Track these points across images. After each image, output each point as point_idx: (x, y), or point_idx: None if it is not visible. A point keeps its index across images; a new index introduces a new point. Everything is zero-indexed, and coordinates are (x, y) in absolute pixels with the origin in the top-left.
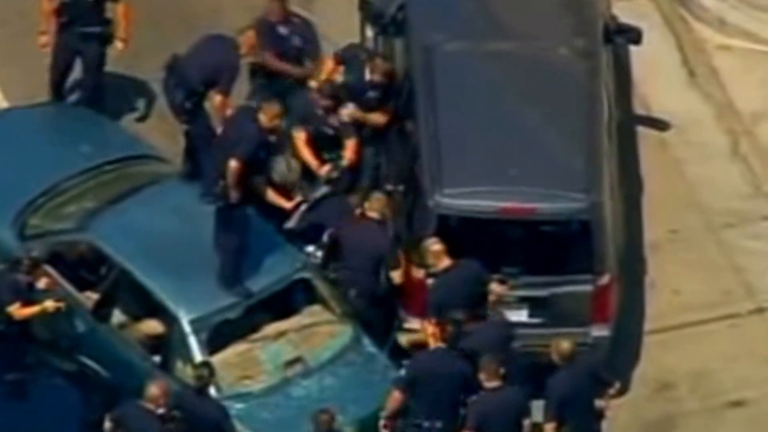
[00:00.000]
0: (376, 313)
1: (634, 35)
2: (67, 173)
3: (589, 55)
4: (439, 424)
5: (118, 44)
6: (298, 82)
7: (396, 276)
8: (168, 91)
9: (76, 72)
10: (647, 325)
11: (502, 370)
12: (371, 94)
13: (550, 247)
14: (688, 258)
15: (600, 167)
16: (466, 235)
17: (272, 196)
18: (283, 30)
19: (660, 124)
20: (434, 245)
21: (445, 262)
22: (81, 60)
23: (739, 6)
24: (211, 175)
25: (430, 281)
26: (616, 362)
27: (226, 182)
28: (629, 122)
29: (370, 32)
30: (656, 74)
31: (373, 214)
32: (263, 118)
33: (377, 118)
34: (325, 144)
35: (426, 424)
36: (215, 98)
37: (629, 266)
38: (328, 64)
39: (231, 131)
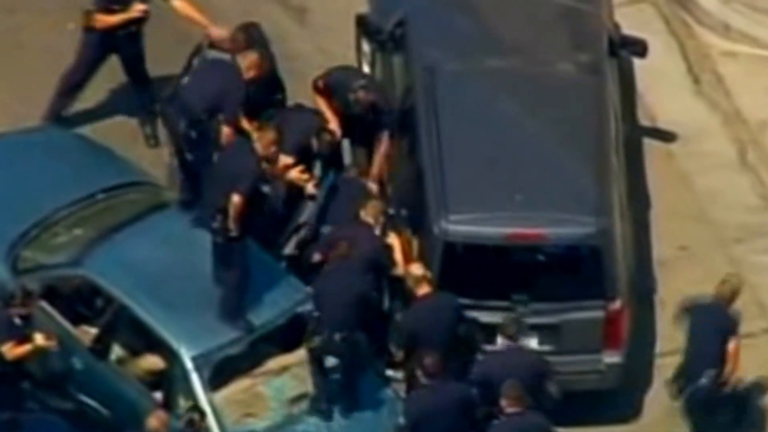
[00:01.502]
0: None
1: (639, 48)
2: (60, 203)
3: (594, 70)
4: None
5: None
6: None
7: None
8: (169, 119)
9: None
10: (659, 347)
11: (526, 398)
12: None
13: (560, 273)
14: (698, 275)
15: (609, 189)
16: (473, 262)
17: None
18: None
19: (666, 135)
20: (416, 270)
21: (425, 289)
22: (123, 58)
23: (743, 10)
24: (208, 209)
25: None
26: (627, 385)
27: (226, 217)
28: (634, 134)
29: (366, 47)
30: (660, 83)
31: (368, 220)
32: (259, 147)
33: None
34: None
35: None
36: (224, 130)
37: (638, 285)
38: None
39: (229, 165)
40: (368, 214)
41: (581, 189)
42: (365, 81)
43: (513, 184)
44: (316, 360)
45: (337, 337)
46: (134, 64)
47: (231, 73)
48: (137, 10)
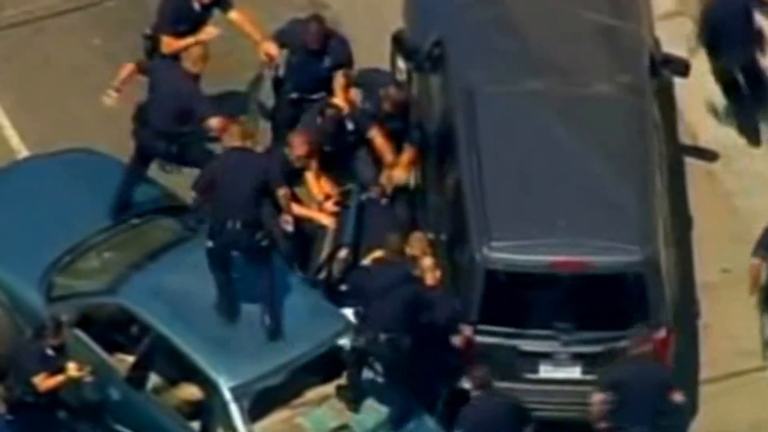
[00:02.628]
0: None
1: (680, 67)
2: (93, 228)
3: (636, 90)
4: None
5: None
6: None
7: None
8: (147, 143)
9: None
10: (703, 373)
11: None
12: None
13: (604, 302)
14: (742, 299)
15: (654, 214)
16: (515, 289)
17: (303, 209)
18: None
19: (707, 155)
20: (428, 261)
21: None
22: None
23: None
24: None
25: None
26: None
27: (252, 225)
28: (676, 153)
29: (401, 64)
30: (700, 99)
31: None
32: (290, 152)
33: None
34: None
35: None
36: (211, 124)
37: (682, 309)
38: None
39: (250, 173)
40: (414, 249)
41: (626, 214)
42: (398, 80)
43: (556, 209)
44: (356, 360)
45: (383, 337)
46: None
47: (179, 78)
48: (208, 32)
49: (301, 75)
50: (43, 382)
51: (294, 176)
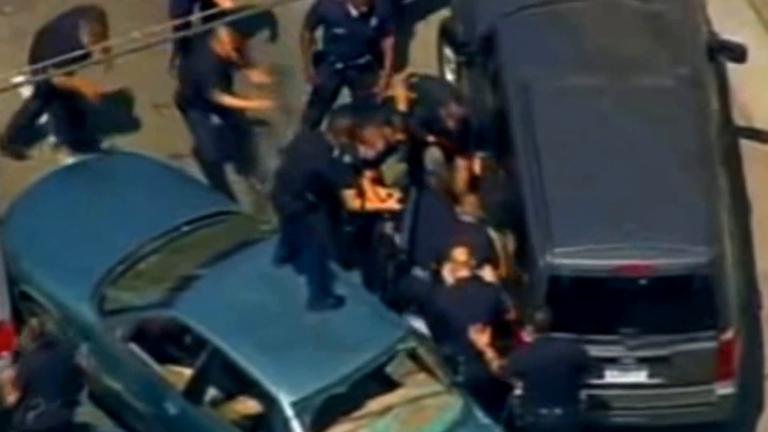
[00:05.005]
0: (488, 378)
1: (737, 53)
2: (144, 236)
3: (697, 83)
4: None
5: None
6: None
7: None
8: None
9: None
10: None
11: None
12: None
13: (670, 304)
14: None
15: (719, 212)
16: (580, 295)
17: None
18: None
19: (764, 136)
20: (460, 255)
21: (463, 273)
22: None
23: None
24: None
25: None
26: (736, 411)
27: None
28: (732, 137)
29: (450, 54)
30: (754, 79)
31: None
32: (330, 136)
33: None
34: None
35: None
36: (220, 98)
37: (743, 301)
38: (401, 92)
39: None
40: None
41: (691, 215)
42: (455, 94)
43: (619, 211)
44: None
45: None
46: None
47: (201, 49)
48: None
49: (346, 43)
50: None
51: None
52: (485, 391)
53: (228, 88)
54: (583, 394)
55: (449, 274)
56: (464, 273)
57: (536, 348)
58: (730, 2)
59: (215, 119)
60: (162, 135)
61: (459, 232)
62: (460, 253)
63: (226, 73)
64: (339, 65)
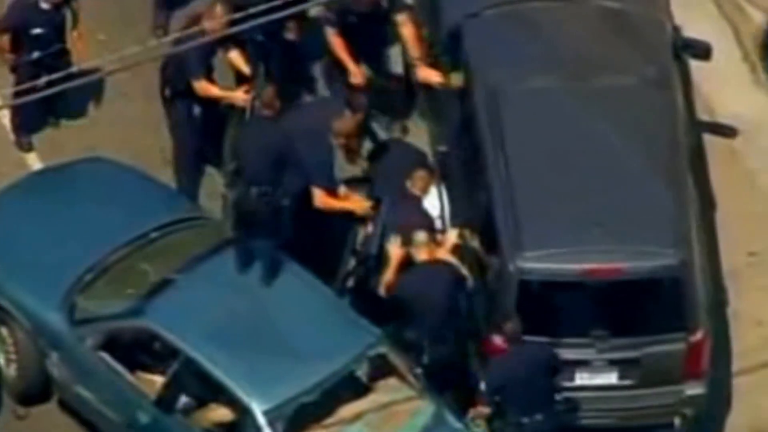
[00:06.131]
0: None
1: (702, 51)
2: (112, 243)
3: (663, 83)
4: None
5: None
6: None
7: None
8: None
9: None
10: (735, 364)
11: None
12: None
13: (640, 307)
14: None
15: (687, 214)
16: (550, 298)
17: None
18: None
19: (727, 131)
20: (421, 236)
21: (424, 255)
22: None
23: None
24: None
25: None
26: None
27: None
28: (697, 135)
29: None
30: (716, 73)
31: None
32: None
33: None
34: None
35: None
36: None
37: (710, 299)
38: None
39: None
40: (415, 185)
41: (659, 217)
42: None
43: (588, 214)
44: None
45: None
46: None
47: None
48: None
49: None
50: None
51: None
52: (450, 375)
53: (209, 77)
54: (560, 395)
55: (416, 255)
56: (425, 255)
57: (511, 359)
58: None
59: (197, 110)
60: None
61: (412, 211)
62: (420, 236)
63: (209, 64)
64: None
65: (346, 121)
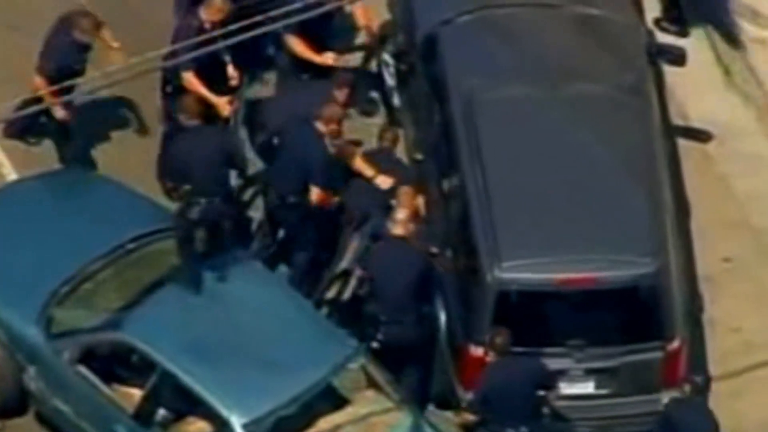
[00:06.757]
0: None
1: (677, 57)
2: (89, 255)
3: (639, 90)
4: None
5: None
6: None
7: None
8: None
9: None
10: (712, 370)
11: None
12: None
13: (617, 316)
14: (744, 289)
15: (663, 222)
16: (527, 308)
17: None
18: None
19: (701, 135)
20: (400, 214)
21: (399, 231)
22: None
23: None
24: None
25: None
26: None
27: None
28: (671, 141)
29: (389, 58)
30: (690, 76)
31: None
32: (321, 125)
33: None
34: None
35: None
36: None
37: (686, 306)
38: None
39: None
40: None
41: (635, 226)
42: None
43: (565, 224)
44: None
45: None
46: None
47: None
48: None
49: None
50: None
51: None
52: (404, 353)
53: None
54: (545, 406)
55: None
56: (399, 231)
57: (498, 371)
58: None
59: None
60: None
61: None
62: (400, 213)
63: (204, 62)
64: None
65: (333, 106)
